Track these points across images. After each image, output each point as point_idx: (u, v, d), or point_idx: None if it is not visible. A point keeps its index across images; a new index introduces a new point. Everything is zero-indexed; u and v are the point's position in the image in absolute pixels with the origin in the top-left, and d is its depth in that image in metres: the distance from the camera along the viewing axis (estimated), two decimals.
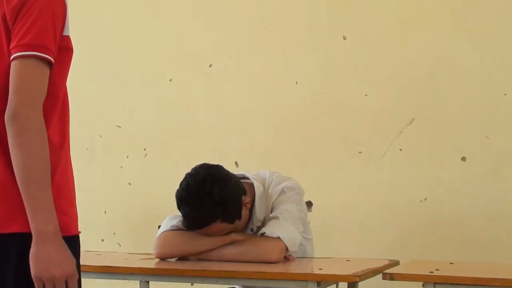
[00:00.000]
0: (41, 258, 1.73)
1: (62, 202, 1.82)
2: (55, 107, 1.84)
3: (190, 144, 3.83)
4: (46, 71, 1.77)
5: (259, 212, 2.66)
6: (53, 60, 1.78)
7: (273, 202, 2.67)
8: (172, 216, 2.70)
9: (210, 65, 3.81)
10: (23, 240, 1.75)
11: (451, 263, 2.50)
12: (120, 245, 3.94)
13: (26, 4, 1.77)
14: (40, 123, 1.74)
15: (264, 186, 2.71)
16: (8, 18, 1.78)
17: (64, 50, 1.85)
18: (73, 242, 1.85)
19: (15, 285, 1.79)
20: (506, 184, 3.27)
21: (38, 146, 1.73)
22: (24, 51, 1.75)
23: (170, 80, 3.90)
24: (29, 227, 1.75)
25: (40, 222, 1.73)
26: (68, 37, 1.86)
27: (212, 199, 2.49)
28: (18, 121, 1.72)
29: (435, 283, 2.19)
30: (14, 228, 1.78)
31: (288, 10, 3.67)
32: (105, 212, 4.01)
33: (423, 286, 2.24)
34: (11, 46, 1.77)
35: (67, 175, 1.88)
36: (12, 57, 1.76)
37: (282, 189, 2.68)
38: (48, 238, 1.73)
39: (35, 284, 1.74)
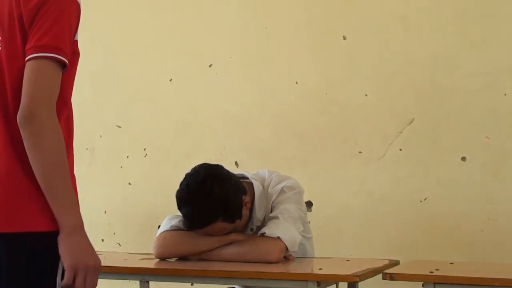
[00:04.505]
0: (76, 249, 1.76)
1: None
2: (63, 109, 1.85)
3: (190, 144, 3.83)
4: (60, 73, 1.78)
5: (258, 211, 2.66)
6: (68, 62, 1.79)
7: (272, 201, 2.67)
8: (172, 216, 2.70)
9: (210, 65, 3.81)
10: (29, 239, 1.76)
11: (451, 263, 2.50)
12: (120, 245, 3.94)
13: (44, 5, 1.77)
14: (55, 123, 1.75)
15: (263, 186, 2.71)
16: (25, 19, 1.78)
17: (73, 54, 1.85)
18: None
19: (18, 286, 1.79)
20: (506, 184, 3.26)
21: (56, 145, 1.74)
22: (41, 52, 1.75)
23: (170, 80, 3.90)
24: (34, 227, 1.76)
25: (69, 216, 1.76)
26: (76, 41, 1.87)
27: (213, 199, 2.49)
28: (34, 123, 1.72)
29: (435, 283, 2.18)
30: (15, 228, 1.77)
31: (288, 10, 3.67)
32: (105, 212, 4.01)
33: (423, 286, 2.23)
34: (27, 47, 1.77)
35: (72, 179, 1.88)
36: (28, 58, 1.76)
37: (282, 188, 2.68)
38: (77, 230, 1.77)
39: (68, 273, 1.75)
